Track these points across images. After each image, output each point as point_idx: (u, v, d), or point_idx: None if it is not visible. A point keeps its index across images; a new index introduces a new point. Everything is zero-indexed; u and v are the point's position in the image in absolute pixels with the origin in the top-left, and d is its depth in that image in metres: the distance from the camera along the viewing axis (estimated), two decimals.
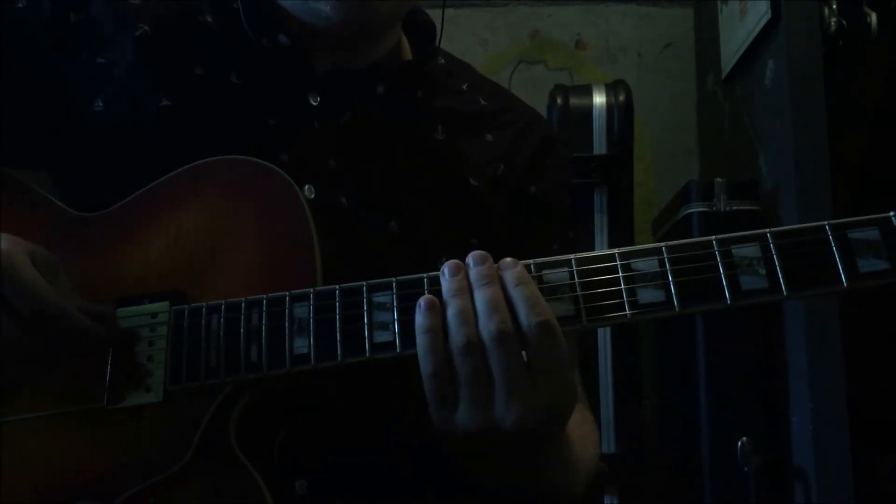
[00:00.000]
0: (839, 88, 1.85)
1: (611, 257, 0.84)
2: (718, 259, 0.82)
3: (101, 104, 1.01)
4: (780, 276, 0.81)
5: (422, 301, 0.83)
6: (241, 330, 0.86)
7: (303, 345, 0.85)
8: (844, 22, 1.86)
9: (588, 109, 2.18)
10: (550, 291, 0.84)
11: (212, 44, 1.04)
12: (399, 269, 0.87)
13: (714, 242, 0.83)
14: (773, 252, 0.82)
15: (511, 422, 0.82)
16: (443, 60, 1.18)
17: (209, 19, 1.05)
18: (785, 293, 0.81)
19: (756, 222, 1.93)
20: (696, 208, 1.99)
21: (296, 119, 1.03)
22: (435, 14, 1.14)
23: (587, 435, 1.07)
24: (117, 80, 1.01)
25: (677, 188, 2.12)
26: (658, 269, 0.83)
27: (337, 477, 0.95)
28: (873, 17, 1.88)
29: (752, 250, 0.83)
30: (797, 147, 1.80)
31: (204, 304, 0.88)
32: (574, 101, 2.20)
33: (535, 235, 1.11)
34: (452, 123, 1.11)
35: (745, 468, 1.86)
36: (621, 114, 2.17)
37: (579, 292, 0.84)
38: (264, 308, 0.86)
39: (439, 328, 0.82)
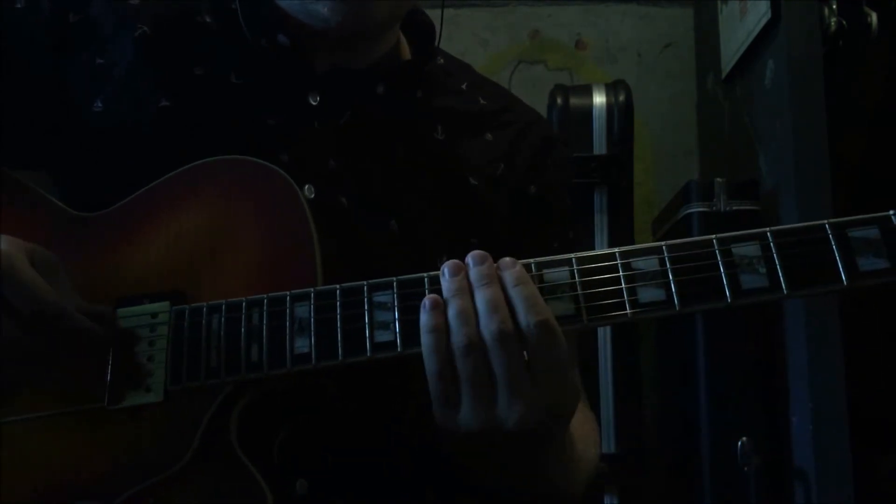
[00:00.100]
0: (839, 88, 1.85)
1: (611, 256, 0.84)
2: (719, 258, 0.82)
3: (100, 104, 1.01)
4: (780, 274, 0.81)
5: (426, 300, 0.83)
6: (242, 330, 0.86)
7: (303, 344, 0.85)
8: (844, 22, 1.86)
9: (588, 109, 2.18)
10: (551, 291, 0.84)
11: (211, 44, 1.04)
12: (399, 268, 0.87)
13: (714, 241, 0.83)
14: (774, 251, 0.82)
15: (513, 421, 0.82)
16: (442, 61, 1.18)
17: (208, 19, 1.05)
18: (785, 292, 0.81)
19: (756, 222, 1.93)
20: (696, 208, 1.99)
21: (295, 119, 1.03)
22: (435, 14, 1.14)
23: (588, 435, 1.07)
24: (117, 81, 1.01)
25: (677, 188, 2.12)
26: (658, 268, 0.83)
27: (337, 477, 0.95)
28: (873, 17, 1.88)
29: (752, 249, 0.83)
30: (797, 147, 1.80)
31: (204, 303, 0.88)
32: (574, 101, 2.20)
33: (535, 235, 1.11)
34: (452, 123, 1.11)
35: (745, 468, 1.86)
36: (621, 114, 2.17)
37: (580, 291, 0.84)
38: (265, 308, 0.86)
39: (444, 327, 0.82)
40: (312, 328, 0.85)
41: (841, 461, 1.68)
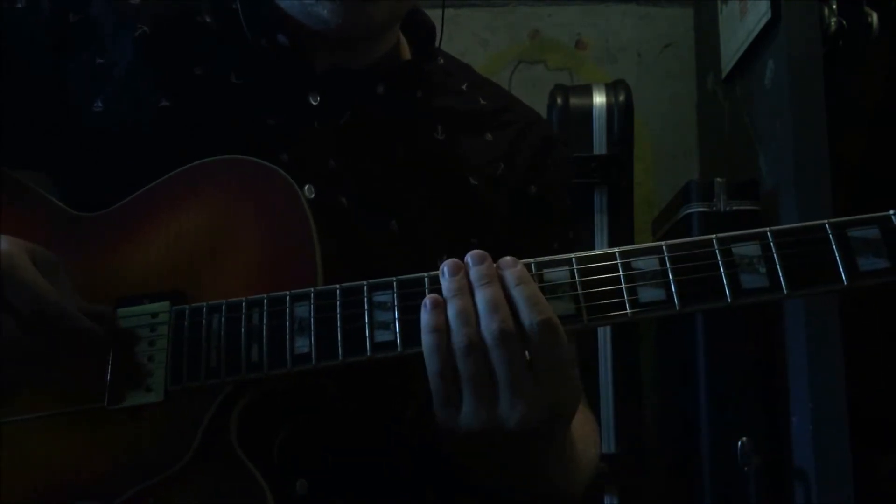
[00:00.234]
0: (839, 88, 1.85)
1: (611, 256, 0.84)
2: (719, 258, 0.82)
3: (100, 104, 1.01)
4: (780, 274, 0.81)
5: (427, 300, 0.83)
6: (242, 330, 0.86)
7: (304, 344, 0.85)
8: (844, 22, 1.86)
9: (588, 109, 2.18)
10: (551, 290, 0.84)
11: (211, 44, 1.04)
12: (399, 268, 0.87)
13: (714, 241, 0.83)
14: (774, 251, 0.82)
15: (515, 421, 0.82)
16: (442, 61, 1.18)
17: (208, 19, 1.05)
18: (785, 292, 0.81)
19: (756, 222, 1.93)
20: (696, 208, 1.99)
21: (296, 119, 1.03)
22: (435, 14, 1.15)
23: (588, 435, 1.07)
24: (117, 81, 1.01)
25: (677, 188, 2.12)
26: (658, 267, 0.83)
27: (337, 477, 0.95)
28: (873, 17, 1.88)
29: (752, 249, 0.83)
30: (797, 147, 1.80)
31: (204, 303, 0.88)
32: (574, 101, 2.20)
33: (535, 235, 1.11)
34: (452, 123, 1.11)
35: (745, 468, 1.86)
36: (621, 114, 2.17)
37: (580, 291, 0.84)
38: (265, 308, 0.86)
39: (445, 327, 0.82)
40: (312, 328, 0.85)
41: (841, 461, 1.68)
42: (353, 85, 1.06)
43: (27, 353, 0.83)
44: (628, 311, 0.83)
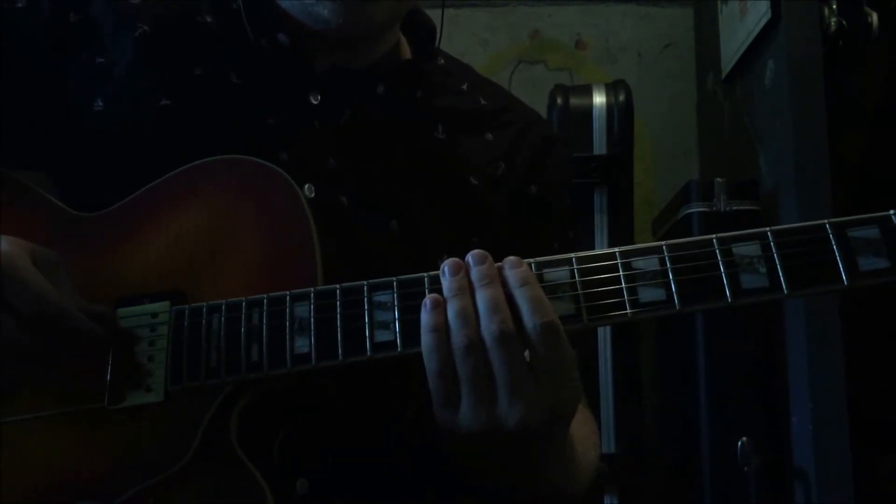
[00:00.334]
0: (839, 88, 1.85)
1: (611, 256, 0.84)
2: (719, 258, 0.82)
3: (100, 104, 1.01)
4: (780, 274, 0.81)
5: (427, 300, 0.83)
6: (242, 330, 0.86)
7: (304, 344, 0.85)
8: (844, 22, 1.86)
9: (588, 109, 2.18)
10: (551, 290, 0.84)
11: (211, 44, 1.04)
12: (399, 268, 0.87)
13: (714, 241, 0.83)
14: (774, 250, 0.82)
15: (514, 421, 0.82)
16: (442, 61, 1.18)
17: (208, 19, 1.05)
18: (785, 292, 0.81)
19: (756, 222, 1.93)
20: (696, 208, 1.99)
21: (296, 118, 1.03)
22: (435, 14, 1.15)
23: (588, 435, 1.07)
24: (117, 80, 1.01)
25: (677, 188, 2.12)
26: (659, 267, 0.83)
27: (337, 477, 0.95)
28: (873, 17, 1.88)
29: (752, 249, 0.83)
30: (797, 147, 1.80)
31: (204, 303, 0.88)
32: (574, 101, 2.20)
33: (535, 235, 1.11)
34: (452, 123, 1.11)
35: (745, 468, 1.86)
36: (621, 114, 2.17)
37: (580, 291, 0.84)
38: (265, 308, 0.86)
39: (444, 327, 0.82)
40: (312, 328, 0.85)
41: (841, 461, 1.68)
42: (354, 85, 1.06)
43: (27, 353, 0.83)
44: (628, 311, 0.83)
